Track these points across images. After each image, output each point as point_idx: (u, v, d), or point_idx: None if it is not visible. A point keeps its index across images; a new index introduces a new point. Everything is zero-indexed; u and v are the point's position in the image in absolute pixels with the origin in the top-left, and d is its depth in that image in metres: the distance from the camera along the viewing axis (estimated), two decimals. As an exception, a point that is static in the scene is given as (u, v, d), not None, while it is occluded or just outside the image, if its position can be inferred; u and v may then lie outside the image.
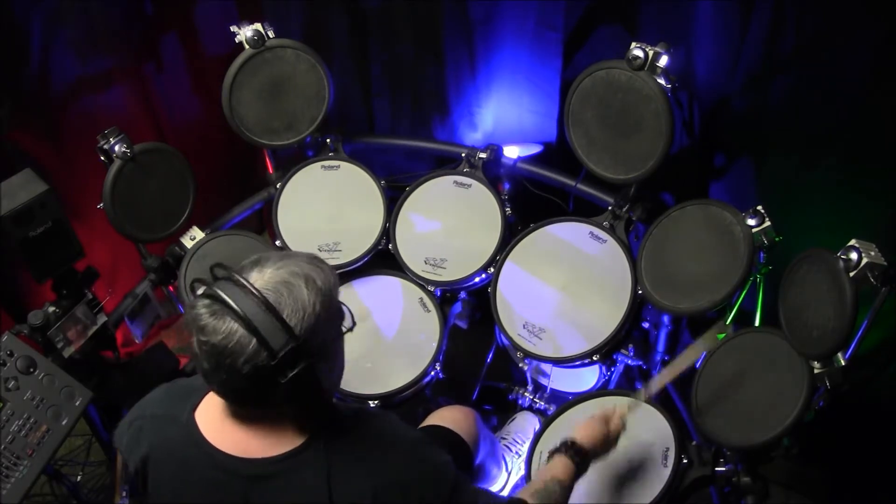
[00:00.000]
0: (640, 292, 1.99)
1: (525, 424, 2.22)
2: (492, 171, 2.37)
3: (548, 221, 2.19)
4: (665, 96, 1.88)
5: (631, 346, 2.07)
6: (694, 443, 1.82)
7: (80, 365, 1.96)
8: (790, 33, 1.81)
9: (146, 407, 1.31)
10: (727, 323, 1.95)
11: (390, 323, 2.16)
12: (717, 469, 1.76)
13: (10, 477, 1.66)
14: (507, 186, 2.40)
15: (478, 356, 2.42)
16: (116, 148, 1.98)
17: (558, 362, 2.01)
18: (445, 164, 2.47)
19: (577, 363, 2.00)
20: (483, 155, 2.33)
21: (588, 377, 2.21)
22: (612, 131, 2.02)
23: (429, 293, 2.21)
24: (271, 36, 2.24)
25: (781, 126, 1.97)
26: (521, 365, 2.12)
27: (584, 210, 2.26)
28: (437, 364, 2.08)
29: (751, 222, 1.78)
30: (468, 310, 2.52)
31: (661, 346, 2.13)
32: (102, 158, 2.01)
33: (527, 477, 1.82)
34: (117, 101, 2.46)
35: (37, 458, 1.71)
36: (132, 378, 2.17)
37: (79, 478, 2.23)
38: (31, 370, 1.75)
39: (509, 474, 2.08)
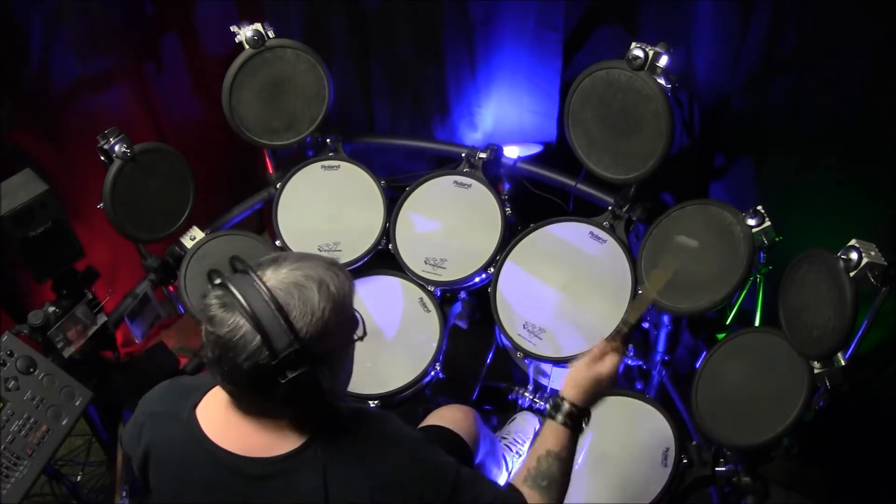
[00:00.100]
0: (640, 292, 1.99)
1: (525, 424, 2.22)
2: (492, 171, 2.37)
3: (548, 221, 2.19)
4: (665, 96, 1.88)
5: (631, 346, 2.07)
6: (694, 443, 1.82)
7: (80, 365, 1.96)
8: (790, 33, 1.81)
9: (147, 404, 1.31)
10: (727, 323, 1.96)
11: (390, 323, 2.16)
12: (717, 469, 1.76)
13: (10, 477, 1.66)
14: (507, 186, 2.40)
15: (478, 356, 2.42)
16: (116, 148, 1.98)
17: (558, 362, 2.01)
18: (445, 164, 2.47)
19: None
20: (483, 155, 2.33)
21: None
22: (612, 131, 2.02)
23: (429, 293, 2.21)
24: (271, 36, 2.24)
25: (781, 126, 1.97)
26: (521, 366, 2.12)
27: (584, 210, 2.26)
28: (437, 364, 2.08)
29: (751, 222, 1.78)
30: (468, 310, 2.51)
31: (661, 346, 2.13)
32: (102, 158, 2.01)
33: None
34: (117, 101, 2.46)
35: (37, 458, 1.71)
36: (132, 378, 2.17)
37: (79, 478, 2.23)
38: (31, 370, 1.75)
39: (510, 474, 2.08)
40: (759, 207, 1.79)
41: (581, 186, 2.29)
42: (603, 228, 2.13)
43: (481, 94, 2.56)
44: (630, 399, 1.89)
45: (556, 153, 2.49)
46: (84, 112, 2.36)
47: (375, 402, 2.00)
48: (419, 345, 2.11)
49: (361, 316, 1.19)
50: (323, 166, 2.41)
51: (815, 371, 1.59)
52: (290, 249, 2.26)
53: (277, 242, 2.29)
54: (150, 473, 1.25)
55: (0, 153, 2.11)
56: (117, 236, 2.08)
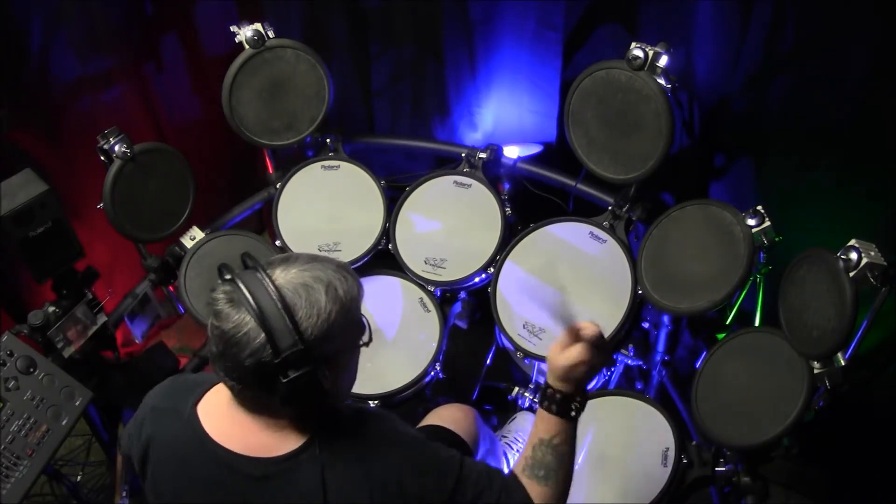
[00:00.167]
0: (640, 292, 1.99)
1: (525, 424, 2.22)
2: (492, 171, 2.37)
3: (548, 221, 2.19)
4: (665, 96, 1.88)
5: (631, 346, 2.07)
6: (694, 443, 1.82)
7: (80, 365, 1.96)
8: (790, 33, 1.81)
9: (150, 399, 1.31)
10: (727, 323, 1.96)
11: (390, 323, 2.16)
12: (717, 469, 1.76)
13: (10, 477, 1.66)
14: (507, 186, 2.40)
15: (478, 356, 2.42)
16: (116, 148, 1.98)
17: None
18: (445, 164, 2.47)
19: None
20: (483, 155, 2.33)
21: (588, 377, 2.21)
22: (612, 131, 2.02)
23: (429, 293, 2.21)
24: (271, 36, 2.24)
25: (781, 126, 1.97)
26: (521, 366, 2.12)
27: (584, 210, 2.26)
28: (437, 364, 2.08)
29: (751, 222, 1.78)
30: (468, 310, 2.52)
31: (661, 346, 2.13)
32: (102, 158, 2.01)
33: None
34: (117, 101, 2.46)
35: (37, 458, 1.71)
36: (132, 378, 2.17)
37: (79, 478, 2.23)
38: (31, 370, 1.75)
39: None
40: (759, 207, 1.79)
41: (581, 186, 2.29)
42: (603, 228, 2.13)
43: (481, 94, 2.56)
44: (630, 399, 1.89)
45: (556, 153, 2.49)
46: (84, 112, 2.36)
47: (375, 402, 2.00)
48: (419, 345, 2.11)
49: (368, 322, 1.18)
50: (323, 166, 2.41)
51: (815, 371, 1.59)
52: (290, 249, 2.26)
53: (277, 242, 2.29)
54: (149, 469, 1.25)
55: (0, 153, 2.11)
56: (117, 236, 2.08)
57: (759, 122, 2.01)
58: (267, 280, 1.06)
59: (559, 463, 1.26)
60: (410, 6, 2.42)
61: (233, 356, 1.06)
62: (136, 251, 2.23)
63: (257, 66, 2.25)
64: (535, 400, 2.16)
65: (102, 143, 1.99)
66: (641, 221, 2.11)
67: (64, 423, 1.77)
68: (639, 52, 1.88)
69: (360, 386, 2.01)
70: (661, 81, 1.88)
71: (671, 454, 1.75)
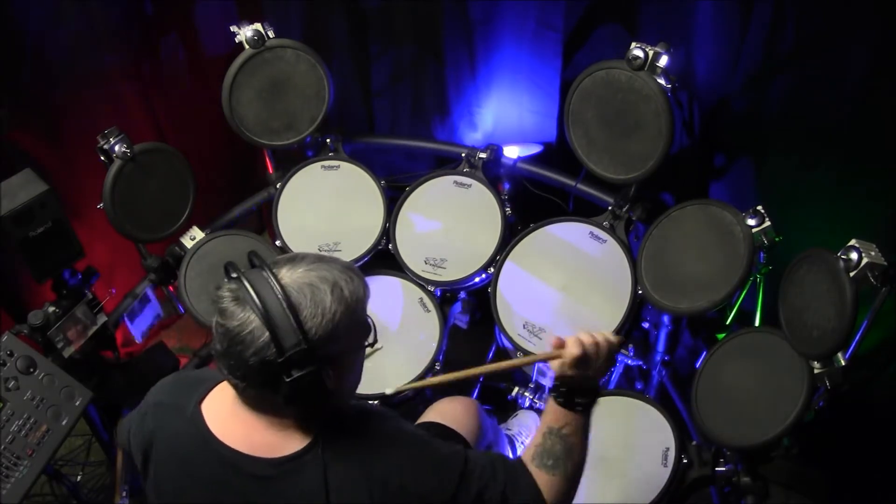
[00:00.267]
0: (640, 292, 1.99)
1: (528, 420, 2.22)
2: (492, 171, 2.37)
3: (548, 221, 2.19)
4: (665, 96, 1.88)
5: (631, 346, 2.07)
6: (694, 443, 1.82)
7: (80, 365, 1.96)
8: (790, 33, 1.81)
9: (153, 395, 1.31)
10: (727, 323, 1.96)
11: (390, 323, 2.16)
12: (717, 469, 1.76)
13: (10, 477, 1.66)
14: (507, 186, 2.40)
15: (478, 356, 2.42)
16: (116, 148, 1.98)
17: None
18: (445, 164, 2.47)
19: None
20: (483, 155, 2.33)
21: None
22: (612, 131, 2.02)
23: (429, 293, 2.21)
24: (271, 36, 2.24)
25: (781, 126, 1.97)
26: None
27: (584, 210, 2.26)
28: (437, 364, 2.08)
29: (751, 222, 1.78)
30: (468, 310, 2.52)
31: (661, 346, 2.13)
32: (102, 158, 2.01)
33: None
34: (117, 101, 2.46)
35: (37, 458, 1.71)
36: (132, 378, 2.17)
37: (79, 478, 2.23)
38: (31, 370, 1.75)
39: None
40: (759, 207, 1.79)
41: (581, 186, 2.29)
42: (603, 228, 2.13)
43: (481, 93, 2.56)
44: (630, 399, 1.89)
45: (556, 153, 2.49)
46: (84, 112, 2.35)
47: (375, 402, 1.99)
48: (419, 345, 2.11)
49: (374, 323, 1.18)
50: (323, 166, 2.41)
51: (815, 371, 1.59)
52: (290, 249, 2.26)
53: (277, 242, 2.29)
54: (152, 466, 1.24)
55: (0, 153, 2.11)
56: (117, 236, 2.08)
57: (759, 122, 2.01)
58: (272, 279, 1.06)
59: (567, 453, 1.27)
60: (410, 6, 2.42)
61: (237, 354, 1.06)
62: (136, 251, 2.23)
63: (257, 66, 2.25)
64: (535, 400, 2.16)
65: (102, 143, 1.99)
66: (641, 221, 2.11)
67: (64, 423, 1.77)
68: (639, 52, 1.88)
69: (360, 386, 2.01)
70: (661, 81, 1.88)
71: (671, 454, 1.75)
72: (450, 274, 2.19)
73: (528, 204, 2.42)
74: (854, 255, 1.46)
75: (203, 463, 1.17)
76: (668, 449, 1.76)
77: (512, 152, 2.41)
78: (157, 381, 1.34)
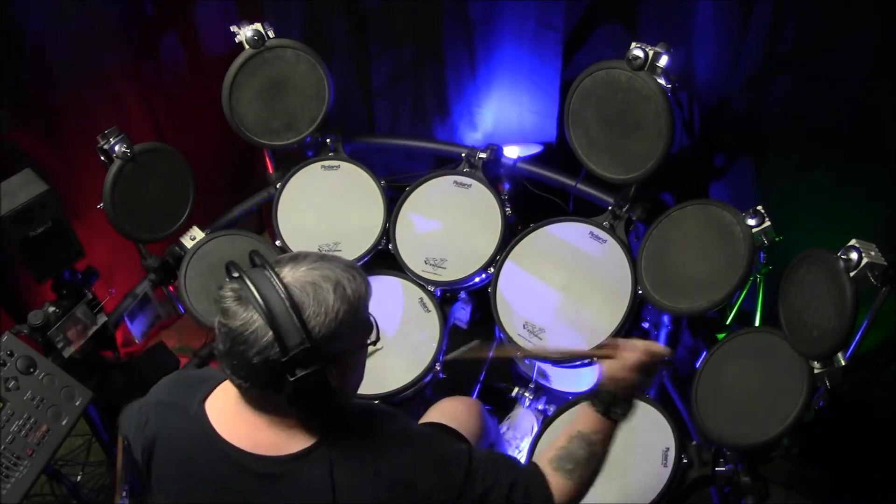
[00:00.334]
0: (639, 292, 1.99)
1: (524, 423, 2.22)
2: (492, 171, 2.37)
3: (548, 221, 2.19)
4: (665, 96, 1.88)
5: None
6: (694, 443, 1.82)
7: (80, 365, 1.96)
8: (790, 33, 1.81)
9: (155, 393, 1.31)
10: (727, 323, 1.96)
11: (390, 323, 2.16)
12: (717, 469, 1.76)
13: (10, 477, 1.66)
14: (507, 186, 2.40)
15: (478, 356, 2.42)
16: (116, 148, 1.98)
17: (558, 362, 2.01)
18: (445, 164, 2.47)
19: (577, 363, 2.00)
20: (483, 155, 2.33)
21: (588, 377, 2.21)
22: (612, 131, 2.03)
23: (429, 293, 2.21)
24: (271, 36, 2.24)
25: (781, 126, 1.97)
26: (521, 366, 2.12)
27: (584, 210, 2.26)
28: (437, 364, 2.08)
29: (751, 222, 1.78)
30: (468, 309, 2.52)
31: (661, 346, 2.13)
32: (102, 158, 2.01)
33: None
34: (117, 101, 2.46)
35: (37, 458, 1.71)
36: (132, 378, 2.17)
37: (79, 478, 2.23)
38: (31, 370, 1.75)
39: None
40: (759, 207, 1.79)
41: (581, 186, 2.29)
42: (603, 228, 2.13)
43: (481, 93, 2.56)
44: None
45: (556, 153, 2.49)
46: (84, 112, 2.36)
47: (375, 402, 1.99)
48: (419, 345, 2.11)
49: (376, 321, 1.18)
50: (323, 166, 2.41)
51: (815, 371, 1.59)
52: (290, 249, 2.26)
53: (277, 242, 2.29)
54: (154, 464, 1.24)
55: (0, 153, 2.11)
56: (117, 236, 2.08)
57: (759, 122, 2.01)
58: (275, 278, 1.05)
59: (588, 460, 1.28)
60: (410, 6, 2.42)
61: (240, 354, 1.05)
62: (136, 251, 2.23)
63: (257, 66, 2.25)
64: (535, 399, 2.16)
65: (102, 143, 1.99)
66: (641, 221, 2.11)
67: (64, 423, 1.77)
68: (639, 52, 1.88)
69: (361, 386, 2.01)
70: (661, 81, 1.88)
71: (671, 454, 1.75)
72: (450, 274, 2.19)
73: (528, 204, 2.42)
74: (854, 255, 1.46)
75: (206, 462, 1.17)
76: (668, 449, 1.76)
77: (512, 152, 2.41)
78: (157, 381, 1.34)
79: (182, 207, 2.21)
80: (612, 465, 1.79)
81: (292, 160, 2.45)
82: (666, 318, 2.06)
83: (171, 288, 2.30)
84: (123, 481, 1.85)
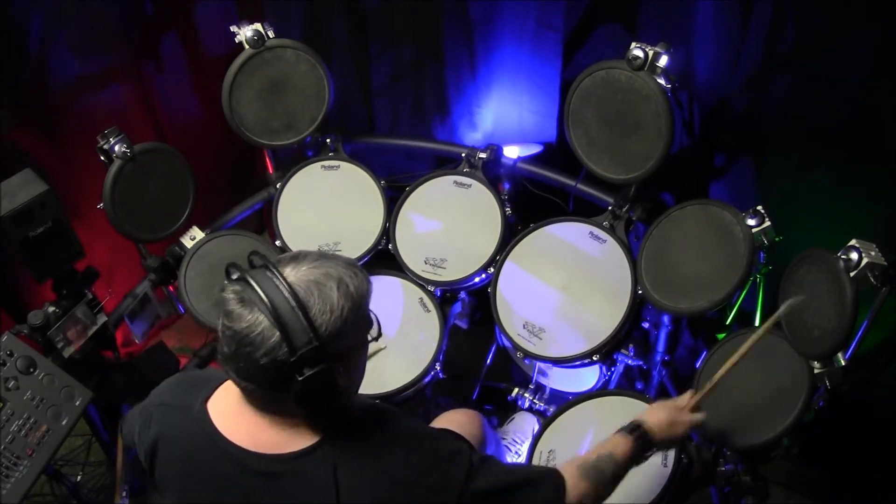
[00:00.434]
0: (639, 292, 1.99)
1: (524, 425, 2.22)
2: (492, 171, 2.37)
3: (548, 221, 2.19)
4: (665, 96, 1.88)
5: (631, 346, 2.07)
6: (694, 443, 1.82)
7: (80, 365, 1.96)
8: (790, 33, 1.81)
9: (157, 395, 1.31)
10: (727, 323, 1.96)
11: (390, 323, 2.16)
12: (717, 469, 1.76)
13: (10, 477, 1.66)
14: (507, 186, 2.40)
15: (478, 356, 2.42)
16: (116, 148, 1.98)
17: (558, 362, 2.01)
18: (445, 164, 2.47)
19: (577, 363, 2.00)
20: (483, 155, 2.33)
21: (588, 377, 2.21)
22: (612, 131, 2.02)
23: (429, 293, 2.21)
24: (271, 36, 2.24)
25: (781, 126, 1.97)
26: (521, 366, 2.11)
27: (584, 210, 2.26)
28: (437, 364, 2.08)
29: (751, 222, 1.78)
30: (468, 310, 2.51)
31: (661, 346, 2.13)
32: (102, 158, 2.01)
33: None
34: (117, 101, 2.46)
35: (37, 458, 1.71)
36: (132, 378, 2.17)
37: (79, 478, 2.23)
38: (31, 370, 1.75)
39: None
40: (759, 207, 1.78)
41: (581, 186, 2.29)
42: (603, 228, 2.13)
43: (481, 93, 2.56)
44: (630, 399, 1.89)
45: (556, 153, 2.49)
46: (84, 112, 2.36)
47: (376, 401, 1.99)
48: (419, 345, 2.11)
49: (376, 316, 1.18)
50: (323, 166, 2.41)
51: (815, 371, 1.59)
52: (290, 249, 2.26)
53: (277, 242, 2.29)
54: (157, 465, 1.24)
55: (0, 153, 2.11)
56: (117, 236, 2.08)
57: (759, 122, 2.01)
58: (279, 278, 1.05)
59: (611, 478, 1.35)
60: (410, 6, 2.42)
61: (246, 356, 1.05)
62: (136, 251, 2.23)
63: (257, 66, 2.25)
64: (535, 400, 2.16)
65: (102, 143, 1.99)
66: (641, 221, 2.11)
67: (64, 423, 1.77)
68: (639, 52, 1.88)
69: (360, 386, 2.01)
70: (661, 81, 1.88)
71: (671, 454, 1.75)
72: (450, 274, 2.19)
73: (528, 204, 2.42)
74: (854, 255, 1.46)
75: (208, 461, 1.17)
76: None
77: (512, 152, 2.41)
78: (157, 381, 1.34)
79: (182, 207, 2.21)
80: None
81: (292, 160, 2.45)
82: (666, 318, 2.06)
83: (171, 288, 2.30)
84: (123, 481, 1.85)
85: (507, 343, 2.09)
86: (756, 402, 1.69)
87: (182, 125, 2.71)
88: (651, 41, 1.88)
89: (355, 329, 1.12)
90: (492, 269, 2.16)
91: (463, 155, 2.36)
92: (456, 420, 1.77)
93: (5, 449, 1.67)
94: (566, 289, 2.08)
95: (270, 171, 2.45)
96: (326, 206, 2.34)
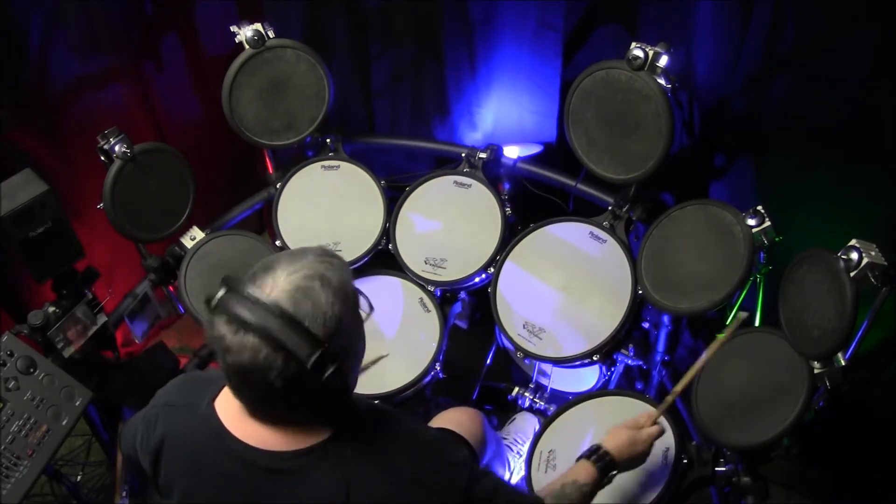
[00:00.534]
0: (640, 292, 1.99)
1: (525, 425, 2.22)
2: (492, 171, 2.37)
3: (548, 221, 2.19)
4: (665, 96, 1.88)
5: (631, 346, 2.07)
6: (694, 443, 1.82)
7: (80, 365, 1.96)
8: (790, 33, 1.81)
9: (162, 396, 1.30)
10: (727, 323, 1.95)
11: (390, 323, 2.16)
12: (717, 469, 1.76)
13: (10, 477, 1.66)
14: (507, 186, 2.40)
15: (478, 356, 2.42)
16: (116, 148, 1.98)
17: (558, 362, 2.01)
18: (445, 164, 2.47)
19: (577, 363, 2.00)
20: (483, 155, 2.33)
21: (588, 377, 2.21)
22: (612, 131, 2.02)
23: (429, 293, 2.21)
24: (271, 36, 2.24)
25: (781, 126, 1.97)
26: (521, 366, 2.11)
27: (584, 210, 2.26)
28: (437, 364, 2.08)
29: (751, 222, 1.78)
30: (468, 310, 2.51)
31: (661, 346, 2.13)
32: (102, 158, 2.01)
33: (527, 478, 1.82)
34: (117, 101, 2.46)
35: (37, 458, 1.71)
36: (132, 378, 2.17)
37: (79, 478, 2.23)
38: (31, 370, 1.75)
39: (512, 474, 2.08)
40: (759, 207, 1.79)
41: (581, 186, 2.29)
42: (603, 228, 2.13)
43: (481, 93, 2.56)
44: (630, 399, 1.89)
45: (556, 153, 2.49)
46: (84, 112, 2.36)
47: (376, 402, 1.99)
48: (419, 345, 2.11)
49: (361, 292, 1.16)
50: (323, 166, 2.41)
51: (815, 371, 1.59)
52: (290, 249, 2.26)
53: (277, 242, 2.30)
54: (162, 466, 1.24)
55: (0, 153, 2.11)
56: (117, 236, 2.08)
57: (759, 122, 2.01)
58: (261, 298, 1.04)
59: (580, 501, 1.42)
60: (410, 6, 2.42)
61: (260, 381, 1.04)
62: (136, 251, 2.23)
63: (257, 66, 2.25)
64: (535, 400, 2.16)
65: (102, 143, 1.99)
66: (641, 221, 2.11)
67: (64, 423, 1.77)
68: (639, 52, 1.88)
69: (360, 386, 2.00)
70: (661, 81, 1.88)
71: (671, 454, 1.75)
72: (450, 274, 2.19)
73: (528, 204, 2.42)
74: (854, 255, 1.46)
75: (213, 459, 1.16)
76: (668, 449, 1.76)
77: (512, 152, 2.41)
78: (157, 380, 1.35)
79: (182, 207, 2.21)
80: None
81: (292, 160, 2.45)
82: (666, 318, 2.07)
83: (171, 288, 2.29)
84: (123, 481, 1.85)
85: (507, 343, 2.09)
86: (756, 402, 1.69)
87: (182, 125, 2.71)
88: (651, 41, 1.88)
89: (350, 317, 1.11)
90: (492, 269, 2.16)
91: (463, 155, 2.36)
92: (456, 419, 1.77)
93: (5, 449, 1.67)
94: (566, 289, 2.08)
95: (270, 171, 2.45)
96: (326, 206, 2.34)
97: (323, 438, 1.14)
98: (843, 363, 1.58)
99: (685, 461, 1.75)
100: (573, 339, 2.00)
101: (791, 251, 1.69)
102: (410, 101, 2.68)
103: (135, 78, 2.51)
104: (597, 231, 2.13)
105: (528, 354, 2.04)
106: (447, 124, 2.66)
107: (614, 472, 1.49)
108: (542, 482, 1.78)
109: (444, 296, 2.26)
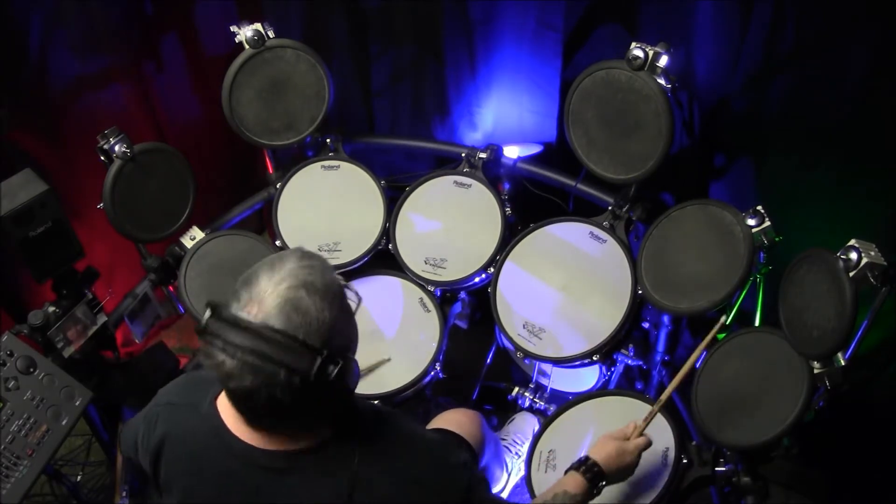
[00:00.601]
0: (640, 292, 1.99)
1: (524, 425, 2.22)
2: (492, 171, 2.37)
3: (548, 221, 2.19)
4: (665, 96, 1.88)
5: (631, 346, 2.07)
6: (694, 443, 1.82)
7: (80, 365, 1.96)
8: (790, 33, 1.81)
9: (164, 396, 1.31)
10: (728, 323, 1.95)
11: (390, 323, 2.16)
12: (717, 469, 1.76)
13: (10, 477, 1.66)
14: (507, 186, 2.40)
15: (478, 356, 2.42)
16: (116, 148, 1.98)
17: (558, 362, 2.01)
18: (445, 164, 2.47)
19: (577, 363, 2.00)
20: (483, 155, 2.33)
21: (588, 377, 2.21)
22: (612, 131, 2.02)
23: (429, 293, 2.21)
24: (271, 36, 2.24)
25: (781, 126, 1.97)
26: (521, 366, 2.11)
27: (584, 210, 2.26)
28: (437, 364, 2.08)
29: (751, 222, 1.78)
30: (468, 310, 2.51)
31: (661, 346, 2.13)
32: (102, 158, 2.01)
33: (527, 478, 1.82)
34: (117, 101, 2.46)
35: (37, 458, 1.71)
36: (132, 378, 2.17)
37: (79, 478, 2.23)
38: (31, 370, 1.75)
39: (509, 475, 2.08)
40: (759, 207, 1.79)
41: (581, 186, 2.29)
42: (603, 228, 2.13)
43: (481, 93, 2.56)
44: (630, 399, 1.89)
45: (556, 153, 2.49)
46: (84, 112, 2.36)
47: (376, 402, 2.00)
48: (419, 345, 2.11)
49: (345, 284, 1.15)
50: (323, 166, 2.41)
51: (815, 371, 1.59)
52: (268, 257, 2.25)
53: (277, 242, 2.30)
54: (163, 465, 1.24)
55: (0, 153, 2.11)
56: (117, 236, 2.08)
57: (759, 122, 2.01)
58: (252, 321, 1.04)
59: None
60: (410, 6, 2.42)
61: (269, 399, 1.04)
62: (136, 251, 2.23)
63: (257, 66, 2.25)
64: (535, 400, 2.16)
65: (102, 143, 1.99)
66: (641, 221, 2.11)
67: (64, 423, 1.77)
68: (639, 52, 1.88)
69: (360, 386, 2.01)
70: (661, 81, 1.88)
71: (671, 454, 1.75)
72: (450, 274, 2.19)
73: (528, 204, 2.42)
74: (854, 255, 1.46)
75: (214, 457, 1.16)
76: (668, 449, 1.76)
77: (512, 152, 2.41)
78: (157, 380, 1.35)
79: (182, 207, 2.21)
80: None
81: (292, 160, 2.45)
82: (666, 318, 2.07)
83: (171, 288, 2.29)
84: (123, 481, 1.85)
85: (507, 343, 2.09)
86: (756, 402, 1.69)
87: (182, 125, 2.71)
88: (651, 41, 1.88)
89: (341, 315, 1.11)
90: (492, 269, 2.16)
91: (463, 155, 2.36)
92: (455, 419, 1.77)
93: (5, 449, 1.67)
94: (566, 289, 2.08)
95: (270, 171, 2.45)
96: (326, 206, 2.34)
97: (324, 438, 1.14)
98: (842, 363, 1.58)
99: (685, 461, 1.75)
100: (573, 339, 2.00)
101: (791, 251, 1.69)
102: (410, 101, 2.68)
103: (135, 78, 2.51)
104: (597, 231, 2.13)
105: (528, 354, 2.04)
106: (447, 124, 2.66)
107: (604, 483, 1.49)
108: (542, 482, 1.78)
109: (444, 296, 2.26)
